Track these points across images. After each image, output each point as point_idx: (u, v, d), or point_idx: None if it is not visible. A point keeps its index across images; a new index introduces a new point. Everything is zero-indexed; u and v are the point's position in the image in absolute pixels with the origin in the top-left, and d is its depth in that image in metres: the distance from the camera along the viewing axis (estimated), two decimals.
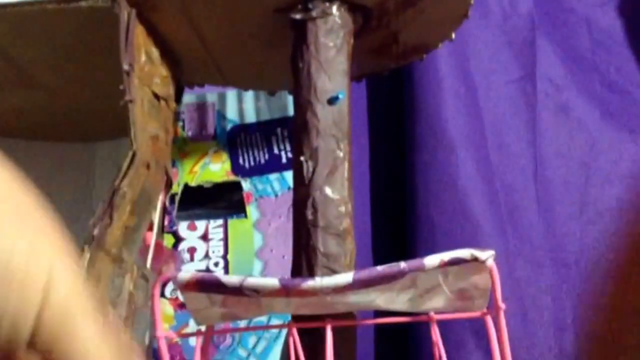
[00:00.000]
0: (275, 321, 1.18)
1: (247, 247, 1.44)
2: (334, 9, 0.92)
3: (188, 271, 0.77)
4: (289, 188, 1.43)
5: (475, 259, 0.70)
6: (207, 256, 1.44)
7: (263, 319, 1.25)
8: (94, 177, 1.38)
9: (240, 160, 1.48)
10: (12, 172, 0.28)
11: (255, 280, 0.73)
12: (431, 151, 1.28)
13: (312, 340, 0.78)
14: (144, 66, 0.94)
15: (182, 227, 1.46)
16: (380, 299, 0.74)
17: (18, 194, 0.28)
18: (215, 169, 1.48)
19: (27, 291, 0.25)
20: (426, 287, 0.73)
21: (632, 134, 1.33)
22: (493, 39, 1.37)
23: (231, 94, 1.52)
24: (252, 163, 1.48)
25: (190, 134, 1.51)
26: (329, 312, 0.77)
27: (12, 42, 1.01)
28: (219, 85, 1.21)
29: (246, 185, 1.47)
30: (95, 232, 0.81)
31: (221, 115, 1.52)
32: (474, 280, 0.72)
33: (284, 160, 1.47)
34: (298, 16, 0.92)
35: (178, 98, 1.08)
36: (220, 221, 1.46)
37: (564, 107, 1.35)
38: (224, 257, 1.44)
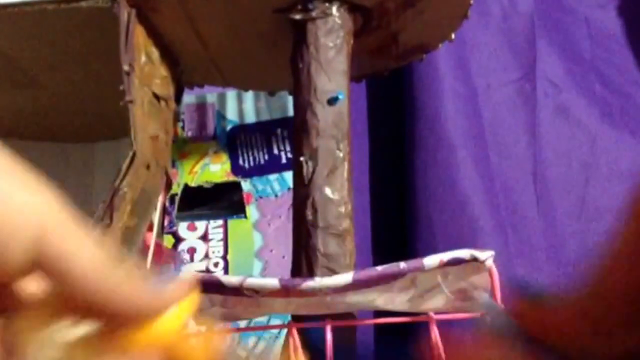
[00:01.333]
0: (275, 321, 1.18)
1: (247, 248, 1.44)
2: (334, 9, 0.92)
3: (188, 271, 0.77)
4: (288, 188, 1.43)
5: (474, 259, 0.70)
6: (206, 256, 1.44)
7: (263, 319, 1.25)
8: (94, 177, 1.38)
9: (240, 161, 1.48)
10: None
11: (255, 280, 0.73)
12: (431, 151, 1.28)
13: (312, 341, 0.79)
14: (144, 66, 0.94)
15: (182, 228, 1.46)
16: (379, 299, 0.74)
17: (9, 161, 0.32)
18: (215, 169, 1.48)
19: (23, 230, 0.29)
20: (426, 287, 0.73)
21: (632, 134, 1.33)
22: (493, 39, 1.37)
23: (231, 94, 1.52)
24: (252, 163, 1.48)
25: (190, 134, 1.51)
26: (329, 312, 0.77)
27: (12, 42, 1.01)
28: (219, 86, 1.21)
29: (246, 185, 1.47)
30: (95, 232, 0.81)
31: (221, 116, 1.52)
32: (474, 280, 0.72)
33: (283, 160, 1.47)
34: (298, 16, 0.92)
35: (178, 98, 1.08)
36: (220, 221, 1.46)
37: (564, 107, 1.35)
38: (224, 257, 1.44)
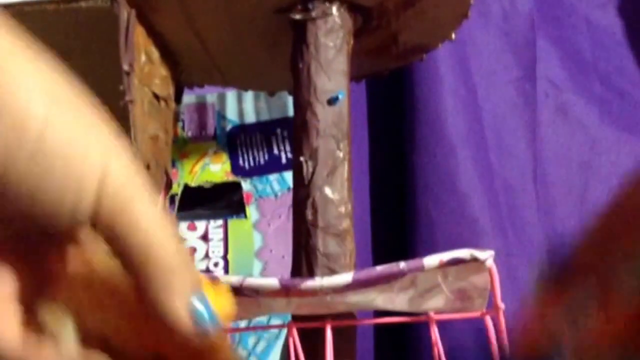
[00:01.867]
0: (275, 321, 1.18)
1: (247, 248, 1.44)
2: (334, 9, 0.92)
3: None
4: (288, 188, 1.43)
5: (474, 259, 0.70)
6: (207, 256, 1.44)
7: (263, 319, 1.25)
8: None
9: (240, 161, 1.48)
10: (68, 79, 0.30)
11: (255, 280, 0.73)
12: (431, 151, 1.28)
13: (312, 340, 0.79)
14: (144, 66, 0.94)
15: (182, 228, 1.46)
16: (379, 299, 0.74)
17: (73, 93, 0.30)
18: (215, 169, 1.48)
19: (86, 175, 0.27)
20: (425, 287, 0.73)
21: (632, 134, 1.33)
22: (493, 39, 1.37)
23: (231, 94, 1.52)
24: (251, 163, 1.48)
25: (190, 134, 1.51)
26: (329, 312, 0.77)
27: None
28: (218, 86, 1.21)
29: (246, 185, 1.47)
30: None
31: (221, 116, 1.52)
32: (474, 280, 0.72)
33: (283, 160, 1.47)
34: (298, 16, 0.92)
35: (178, 98, 1.08)
36: (220, 221, 1.46)
37: (564, 107, 1.35)
38: (224, 257, 1.44)
